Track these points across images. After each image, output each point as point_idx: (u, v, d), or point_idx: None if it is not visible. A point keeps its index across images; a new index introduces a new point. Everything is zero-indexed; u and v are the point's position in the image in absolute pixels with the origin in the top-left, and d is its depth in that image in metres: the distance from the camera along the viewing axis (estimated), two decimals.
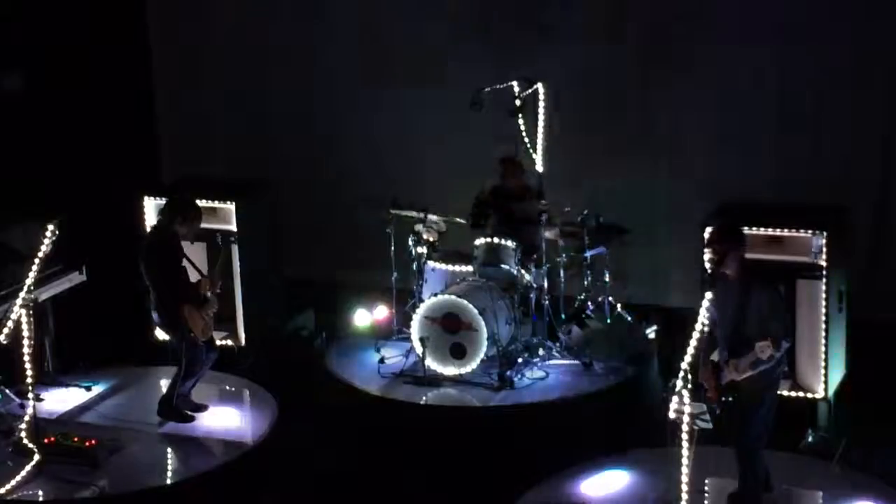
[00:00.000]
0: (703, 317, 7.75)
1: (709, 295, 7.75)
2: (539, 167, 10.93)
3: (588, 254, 10.83)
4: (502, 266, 10.48)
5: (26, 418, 9.23)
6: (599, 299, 11.15)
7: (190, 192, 10.31)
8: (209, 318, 9.63)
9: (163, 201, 10.15)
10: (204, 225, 9.89)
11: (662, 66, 11.77)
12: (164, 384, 10.07)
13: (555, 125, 10.98)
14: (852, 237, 10.15)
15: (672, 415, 7.65)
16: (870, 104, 11.26)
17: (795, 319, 9.32)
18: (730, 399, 7.79)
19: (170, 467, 9.31)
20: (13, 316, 9.16)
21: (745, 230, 8.76)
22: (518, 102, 10.75)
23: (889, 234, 11.37)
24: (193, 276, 9.66)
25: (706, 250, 7.93)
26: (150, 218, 10.96)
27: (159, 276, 9.47)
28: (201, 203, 10.68)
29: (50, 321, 10.57)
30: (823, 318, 9.37)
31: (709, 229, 8.48)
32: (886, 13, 11.05)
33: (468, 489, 9.05)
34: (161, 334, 10.67)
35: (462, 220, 10.93)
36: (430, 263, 10.75)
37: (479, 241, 10.60)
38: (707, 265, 7.95)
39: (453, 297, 10.15)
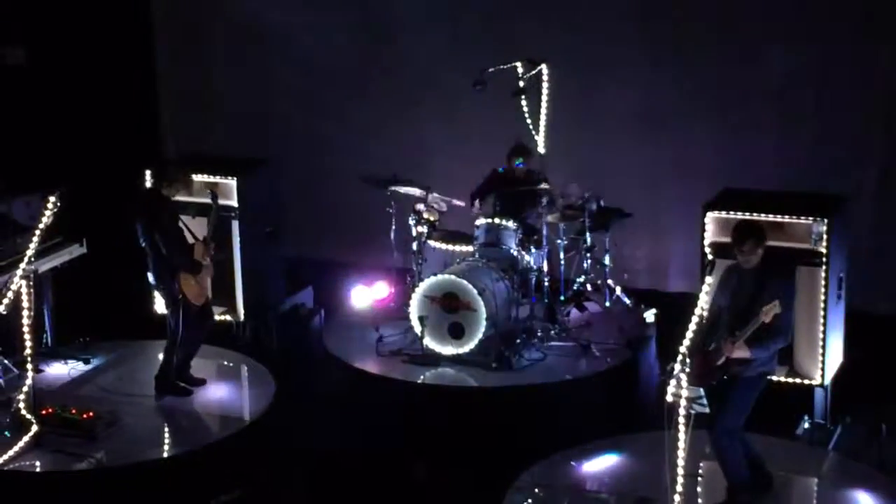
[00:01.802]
0: (702, 302, 7.75)
1: (709, 279, 7.74)
2: (541, 149, 10.92)
3: (588, 236, 10.84)
4: (503, 247, 10.49)
5: (25, 389, 9.24)
6: (599, 282, 11.16)
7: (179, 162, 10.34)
8: (203, 283, 9.65)
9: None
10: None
11: (667, 52, 11.75)
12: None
13: (558, 108, 10.98)
14: (852, 226, 10.14)
15: (669, 398, 7.67)
16: (872, 93, 11.28)
17: (794, 306, 9.31)
18: (716, 382, 7.77)
19: (167, 441, 9.33)
20: (13, 287, 9.17)
21: (746, 216, 8.79)
22: (521, 83, 10.73)
23: (890, 225, 11.38)
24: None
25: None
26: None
27: (154, 234, 9.50)
28: (204, 178, 10.71)
29: (49, 293, 10.59)
30: (822, 304, 9.37)
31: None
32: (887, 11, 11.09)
33: (464, 469, 9.06)
34: (160, 308, 10.67)
35: (461, 203, 10.93)
36: (431, 243, 10.75)
37: (480, 222, 10.60)
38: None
39: (453, 276, 10.14)
